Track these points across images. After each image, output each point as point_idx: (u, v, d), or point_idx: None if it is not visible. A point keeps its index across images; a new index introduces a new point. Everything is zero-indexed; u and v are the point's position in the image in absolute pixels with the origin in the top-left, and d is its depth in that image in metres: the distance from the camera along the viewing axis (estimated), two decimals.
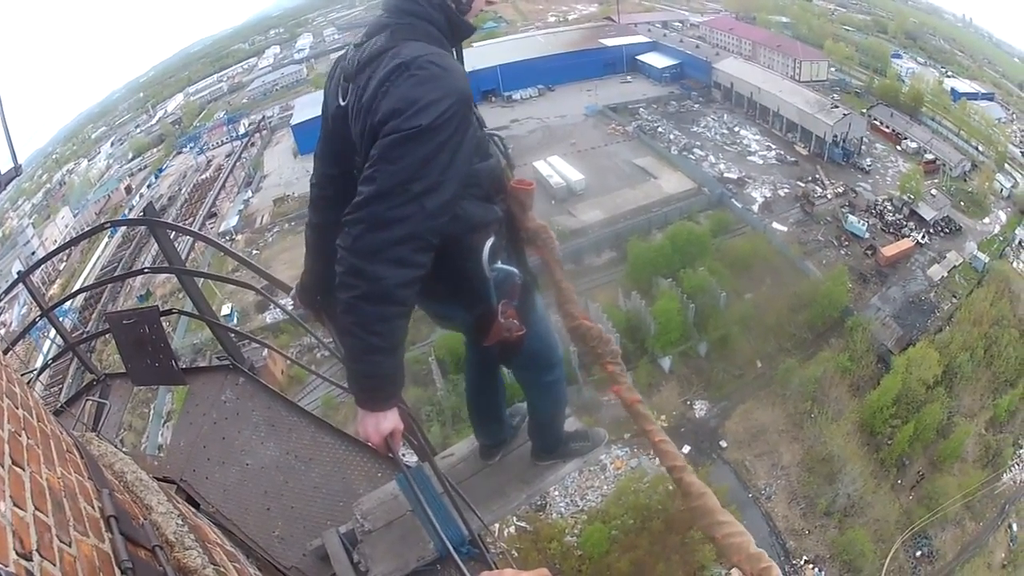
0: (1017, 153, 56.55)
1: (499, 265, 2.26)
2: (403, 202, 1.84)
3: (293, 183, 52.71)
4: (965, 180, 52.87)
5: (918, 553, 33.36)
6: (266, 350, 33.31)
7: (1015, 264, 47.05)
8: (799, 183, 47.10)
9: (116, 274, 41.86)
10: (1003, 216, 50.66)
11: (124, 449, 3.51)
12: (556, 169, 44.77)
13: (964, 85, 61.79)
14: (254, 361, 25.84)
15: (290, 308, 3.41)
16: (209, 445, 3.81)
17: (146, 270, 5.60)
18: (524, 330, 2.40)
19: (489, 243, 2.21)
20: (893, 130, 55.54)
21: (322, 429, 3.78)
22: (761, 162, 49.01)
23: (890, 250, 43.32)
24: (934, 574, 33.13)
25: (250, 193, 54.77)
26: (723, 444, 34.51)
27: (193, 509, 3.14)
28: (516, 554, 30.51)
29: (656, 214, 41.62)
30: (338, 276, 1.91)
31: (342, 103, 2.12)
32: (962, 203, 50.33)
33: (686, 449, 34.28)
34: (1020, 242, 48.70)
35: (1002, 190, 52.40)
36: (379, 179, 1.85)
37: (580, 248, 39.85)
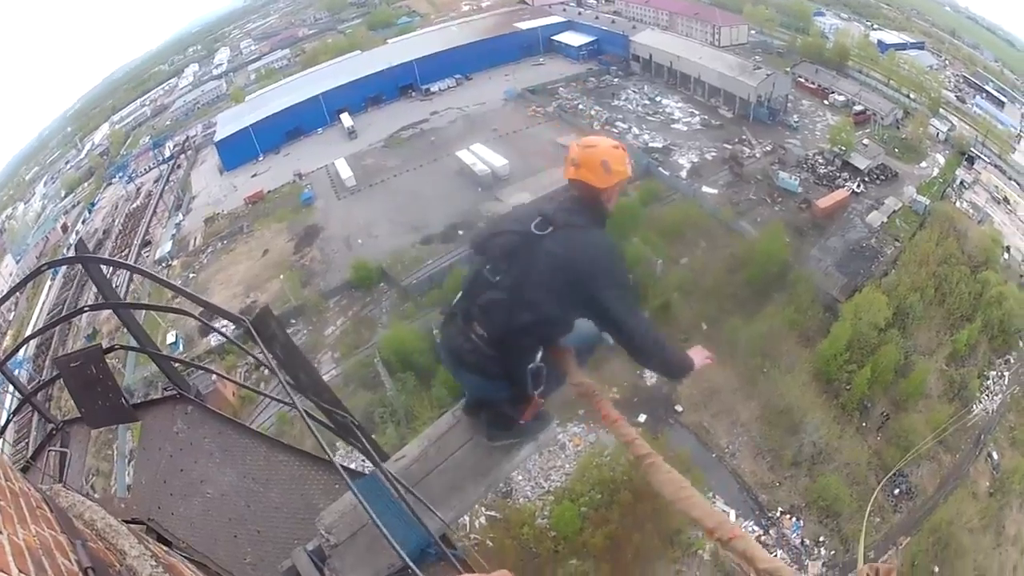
0: (951, 97, 58.91)
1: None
2: None
3: (221, 200, 53.01)
4: (898, 128, 55.26)
5: (896, 491, 34.44)
6: (215, 376, 33.79)
7: (958, 204, 48.71)
8: (726, 146, 48.16)
9: (59, 316, 40.48)
10: (941, 159, 53.09)
11: (94, 495, 3.85)
12: (479, 156, 44.79)
13: (892, 37, 64.60)
14: (204, 386, 25.28)
15: (228, 332, 3.48)
16: (169, 479, 3.87)
17: (85, 308, 5.18)
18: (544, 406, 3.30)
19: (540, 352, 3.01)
20: (819, 86, 57.46)
21: (274, 448, 3.85)
22: (686, 129, 50.09)
23: (825, 202, 44.64)
24: (917, 509, 34.12)
25: (181, 216, 54.78)
26: (678, 409, 35.13)
27: (165, 548, 3.24)
28: (491, 544, 31.06)
29: None
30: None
31: None
32: (896, 150, 52.49)
33: (642, 418, 34.67)
34: (962, 182, 50.73)
35: (938, 134, 54.98)
36: None
37: None
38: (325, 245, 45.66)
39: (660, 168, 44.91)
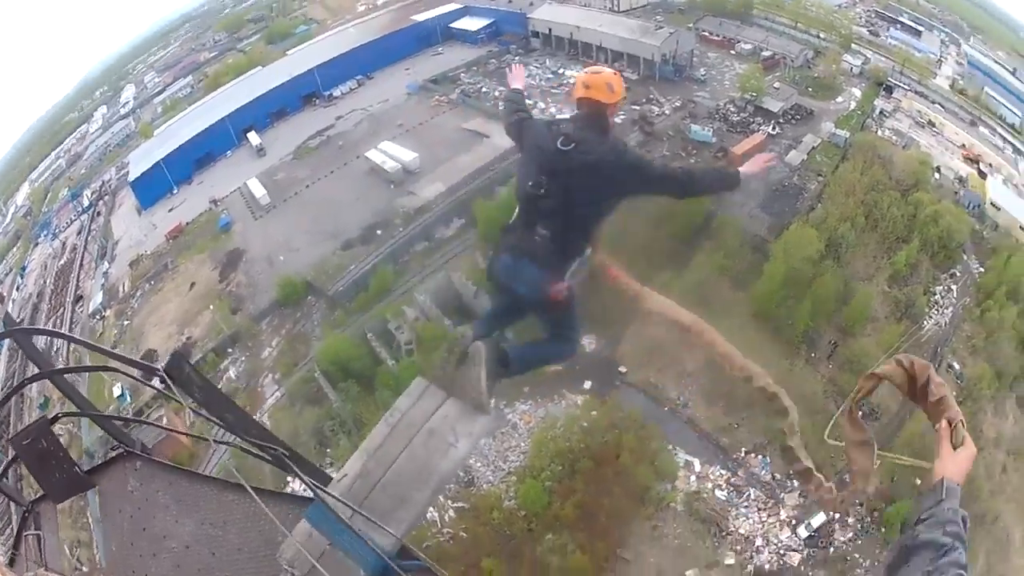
0: (864, 32, 60.43)
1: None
2: None
3: (143, 240, 51.76)
4: (810, 68, 56.27)
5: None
6: (165, 419, 33.48)
7: (880, 132, 50.06)
8: (634, 107, 48.56)
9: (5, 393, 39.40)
10: (857, 92, 54.19)
11: (83, 568, 6.11)
12: (388, 154, 44.47)
13: None
14: (157, 434, 24.58)
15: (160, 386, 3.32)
16: (135, 540, 3.78)
17: (26, 381, 5.30)
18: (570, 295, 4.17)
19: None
20: (725, 37, 58.18)
21: (225, 489, 3.77)
22: None
23: (741, 148, 44.96)
24: (884, 428, 34.46)
25: (107, 264, 53.27)
26: (622, 370, 35.26)
27: None
28: (464, 535, 31.23)
29: (496, 171, 41.90)
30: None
31: None
32: (810, 89, 53.43)
33: (587, 384, 34.74)
34: (881, 112, 52.01)
35: (852, 69, 55.99)
36: None
37: (428, 224, 39.50)
38: (249, 268, 44.83)
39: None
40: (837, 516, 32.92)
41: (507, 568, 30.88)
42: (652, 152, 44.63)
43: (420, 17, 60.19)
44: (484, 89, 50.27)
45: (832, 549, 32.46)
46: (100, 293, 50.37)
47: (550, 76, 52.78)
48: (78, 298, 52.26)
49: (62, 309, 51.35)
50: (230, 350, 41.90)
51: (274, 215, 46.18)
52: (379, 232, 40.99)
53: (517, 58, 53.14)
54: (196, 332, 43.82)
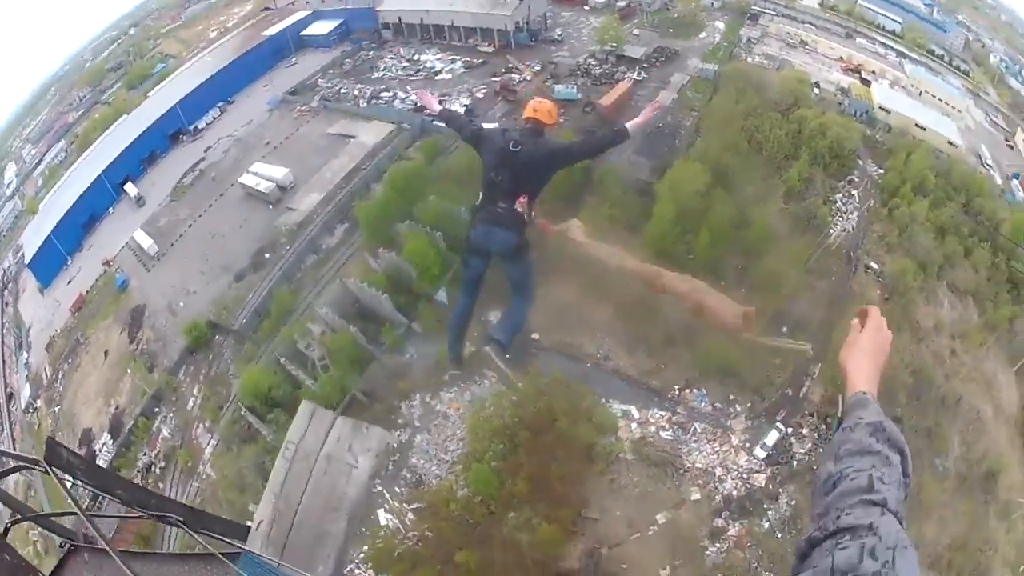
0: None
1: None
2: None
3: (51, 320, 50.45)
4: (668, 9, 57.09)
5: (783, 330, 36.02)
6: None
7: (751, 60, 51.24)
8: (494, 79, 49.01)
9: None
10: (721, 25, 55.24)
11: None
12: (261, 175, 44.07)
13: None
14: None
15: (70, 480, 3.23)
16: None
17: None
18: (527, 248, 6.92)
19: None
20: None
21: (165, 563, 3.73)
22: (450, 76, 50.92)
23: (609, 98, 45.59)
24: (814, 337, 35.50)
25: (25, 354, 51.60)
26: (535, 336, 35.74)
27: None
28: (429, 534, 31.03)
29: (368, 169, 41.96)
30: None
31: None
32: (671, 30, 54.56)
33: (506, 358, 35.37)
34: (749, 40, 53.24)
35: (712, 3, 57.32)
36: None
37: (313, 236, 39.60)
38: (154, 321, 44.13)
39: (435, 121, 44.91)
40: (791, 431, 34.06)
41: (481, 556, 31.66)
42: (518, 119, 44.94)
43: (271, 31, 59.24)
44: (343, 90, 50.04)
45: (795, 463, 33.46)
46: (27, 386, 49.24)
47: (406, 64, 52.90)
48: (9, 396, 50.76)
49: None
50: (156, 409, 41.47)
51: (165, 262, 45.41)
52: (267, 255, 40.71)
53: (371, 55, 53.31)
54: (122, 400, 43.16)
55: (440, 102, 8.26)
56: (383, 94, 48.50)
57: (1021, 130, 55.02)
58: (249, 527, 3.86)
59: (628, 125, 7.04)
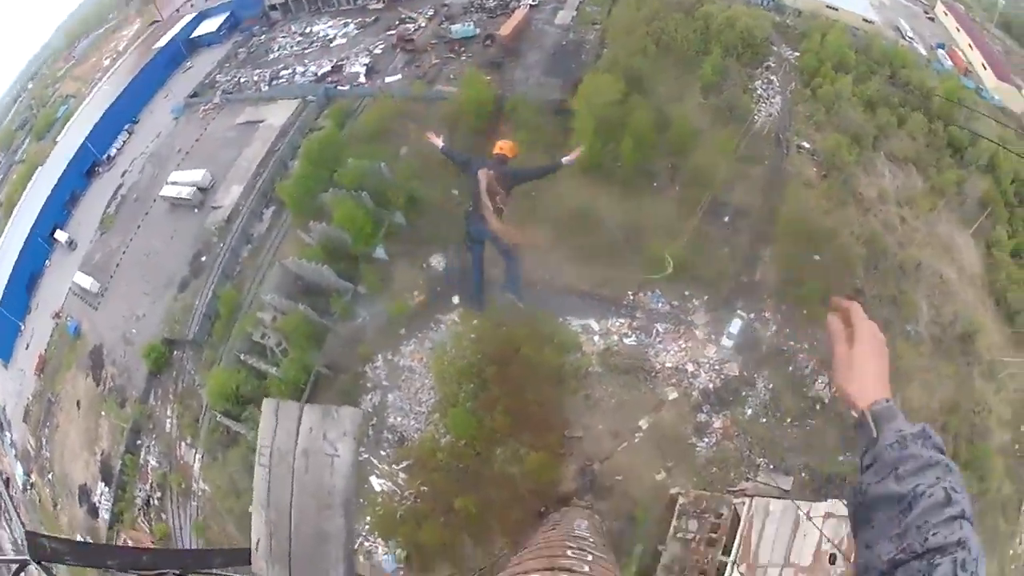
0: None
1: None
2: None
3: (21, 390, 50.00)
4: None
5: (725, 219, 36.26)
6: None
7: None
8: (390, 33, 48.12)
9: None
10: None
11: None
12: (180, 183, 43.42)
13: None
14: None
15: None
16: None
17: None
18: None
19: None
20: None
21: None
22: (345, 40, 50.12)
23: (507, 28, 45.03)
24: (757, 221, 36.39)
25: (7, 434, 50.94)
26: None
27: None
28: (425, 488, 32.16)
29: (282, 149, 41.42)
30: None
31: None
32: None
33: (455, 300, 35.15)
34: None
35: None
36: None
37: (243, 227, 39.13)
38: (113, 357, 43.69)
39: (338, 87, 44.93)
40: (753, 316, 34.61)
41: (478, 498, 31.84)
42: (421, 66, 44.60)
43: (162, 42, 57.88)
44: (243, 80, 49.07)
45: (763, 347, 34.10)
46: (18, 464, 49.02)
47: (300, 39, 51.72)
48: (7, 481, 50.32)
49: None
50: (138, 442, 41.35)
51: (109, 296, 44.85)
52: (204, 259, 40.25)
53: (263, 38, 52.19)
54: (104, 444, 43.01)
55: (438, 135, 11.65)
56: (283, 73, 47.69)
57: (941, 2, 54.70)
58: (249, 550, 3.67)
59: (564, 160, 10.70)
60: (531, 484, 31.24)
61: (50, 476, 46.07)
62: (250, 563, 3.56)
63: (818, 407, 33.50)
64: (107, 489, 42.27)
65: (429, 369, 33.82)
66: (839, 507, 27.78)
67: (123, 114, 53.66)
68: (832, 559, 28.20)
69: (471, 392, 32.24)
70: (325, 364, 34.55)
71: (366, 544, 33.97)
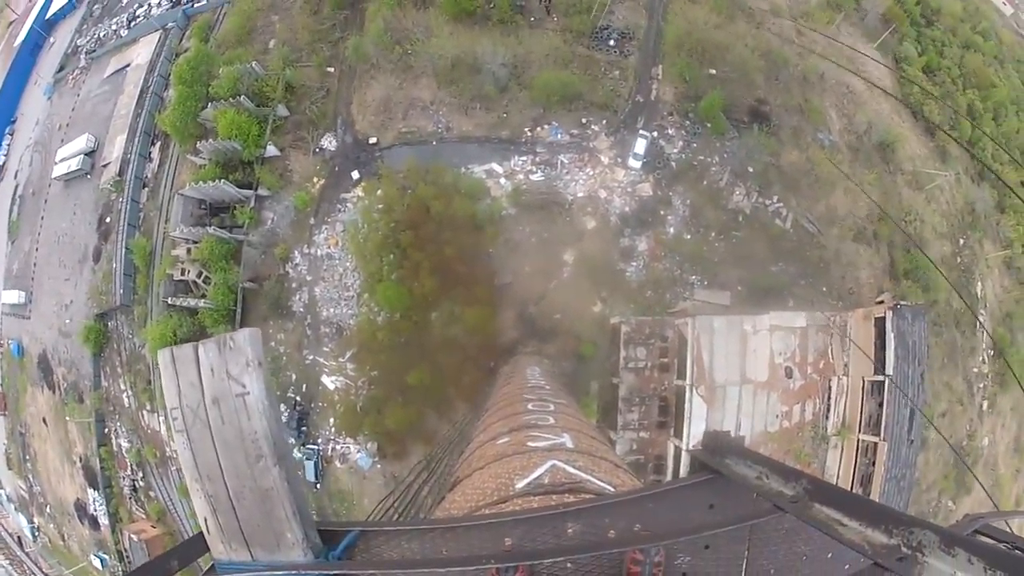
0: None
1: None
2: None
3: None
4: None
5: (610, 43, 37.30)
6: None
7: None
8: None
9: None
10: None
11: None
12: (67, 157, 44.32)
13: None
14: None
15: None
16: None
17: None
18: None
19: None
20: None
21: None
22: None
23: None
24: (648, 37, 37.13)
25: (2, 492, 54.03)
26: (372, 141, 36.17)
27: None
28: (376, 373, 33.87)
29: (155, 82, 42.35)
30: None
31: None
32: None
33: (355, 175, 35.78)
34: None
35: None
36: None
37: (136, 173, 40.17)
38: (58, 357, 44.86)
39: (195, 4, 44.55)
40: (656, 134, 35.45)
41: (429, 367, 32.90)
42: None
43: (22, 35, 57.83)
44: (102, 34, 49.04)
45: (673, 164, 35.18)
46: (21, 516, 51.28)
47: None
48: (19, 540, 53.25)
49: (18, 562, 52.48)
50: (105, 430, 42.90)
51: (37, 300, 45.75)
52: (108, 219, 40.98)
53: None
54: (79, 448, 44.60)
55: None
56: (139, 12, 47.68)
57: None
58: (202, 535, 3.63)
59: None
60: (474, 341, 32.39)
61: (48, 509, 48.25)
62: (208, 548, 3.46)
63: (740, 218, 34.58)
64: (97, 494, 44.02)
65: (347, 251, 34.67)
66: (783, 317, 28.93)
67: (1, 119, 54.02)
68: (788, 372, 29.16)
69: (393, 263, 33.18)
70: (249, 278, 35.33)
71: (338, 447, 35.22)
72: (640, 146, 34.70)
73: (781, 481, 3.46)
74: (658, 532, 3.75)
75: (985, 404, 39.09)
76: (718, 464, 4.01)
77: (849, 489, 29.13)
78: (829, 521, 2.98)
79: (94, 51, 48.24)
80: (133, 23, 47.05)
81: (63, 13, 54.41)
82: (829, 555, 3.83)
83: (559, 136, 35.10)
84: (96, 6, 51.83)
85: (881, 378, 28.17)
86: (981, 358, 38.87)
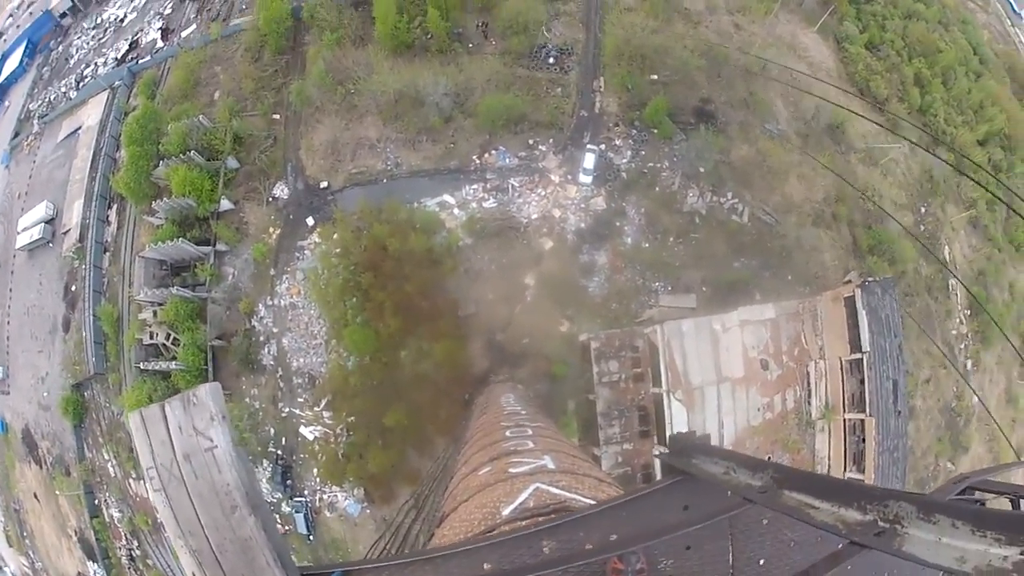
0: None
1: None
2: None
3: None
4: None
5: (550, 60, 38.20)
6: None
7: None
8: None
9: None
10: None
11: None
12: (28, 226, 44.64)
13: None
14: None
15: None
16: None
17: None
18: None
19: None
20: None
21: None
22: (136, 12, 50.22)
23: None
24: (584, 47, 37.98)
25: (7, 571, 52.51)
26: (324, 185, 36.88)
27: None
28: (352, 419, 34.43)
29: (106, 143, 43.01)
30: None
31: None
32: None
33: (310, 222, 36.49)
34: None
35: None
36: None
37: (96, 238, 40.72)
38: (41, 429, 45.31)
39: (139, 61, 46.05)
40: (604, 147, 36.18)
41: (405, 407, 33.25)
42: (214, 7, 44.79)
43: None
44: (52, 97, 49.72)
45: (623, 174, 35.85)
46: None
47: (94, 32, 51.15)
48: None
49: None
50: (96, 501, 43.36)
51: (14, 374, 46.21)
52: (73, 287, 41.54)
53: (61, 48, 52.68)
54: (72, 520, 45.02)
55: None
56: (86, 72, 48.35)
57: None
58: None
59: None
60: (446, 375, 32.81)
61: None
62: None
63: (697, 220, 35.14)
64: (96, 566, 44.43)
65: (310, 299, 35.18)
66: (752, 311, 29.51)
67: None
68: (764, 364, 29.57)
69: (356, 306, 33.67)
70: (216, 336, 35.77)
71: (325, 497, 35.59)
72: (589, 161, 35.38)
73: (748, 473, 3.76)
74: (631, 537, 3.97)
75: (969, 363, 39.87)
76: (686, 465, 4.33)
77: (843, 469, 29.70)
78: (800, 506, 3.20)
79: (46, 115, 48.87)
80: (81, 83, 47.76)
81: (14, 77, 55.01)
82: (819, 538, 4.04)
83: (507, 160, 35.80)
84: (45, 69, 52.53)
85: (859, 356, 28.82)
86: (958, 319, 39.79)
